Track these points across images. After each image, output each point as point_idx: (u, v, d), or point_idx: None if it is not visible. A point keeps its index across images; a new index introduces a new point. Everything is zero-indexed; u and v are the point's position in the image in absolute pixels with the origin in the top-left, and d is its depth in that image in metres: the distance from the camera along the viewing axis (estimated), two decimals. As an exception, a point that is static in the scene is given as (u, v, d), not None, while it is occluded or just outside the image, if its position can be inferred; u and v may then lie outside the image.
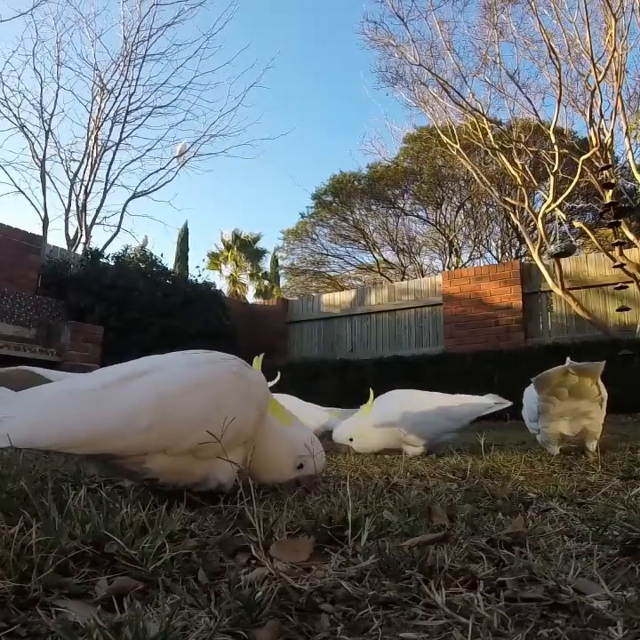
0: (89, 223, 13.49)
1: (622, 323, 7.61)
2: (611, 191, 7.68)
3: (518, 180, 9.16)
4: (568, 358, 2.20)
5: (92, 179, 13.63)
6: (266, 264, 20.15)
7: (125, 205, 14.15)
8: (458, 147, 9.72)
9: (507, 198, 10.48)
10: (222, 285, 18.46)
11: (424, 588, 0.69)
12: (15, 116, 12.92)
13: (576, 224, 10.20)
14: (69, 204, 13.35)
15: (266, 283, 19.63)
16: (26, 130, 13.17)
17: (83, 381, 1.22)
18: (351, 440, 2.59)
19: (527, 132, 9.74)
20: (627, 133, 7.92)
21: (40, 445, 1.04)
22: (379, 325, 9.70)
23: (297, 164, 31.01)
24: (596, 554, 0.85)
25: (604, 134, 8.14)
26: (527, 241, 9.15)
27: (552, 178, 8.43)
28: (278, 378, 2.90)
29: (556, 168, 8.38)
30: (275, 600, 0.65)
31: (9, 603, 0.64)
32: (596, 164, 8.14)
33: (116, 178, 14.10)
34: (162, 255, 8.88)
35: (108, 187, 13.84)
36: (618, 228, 7.56)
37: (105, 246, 12.82)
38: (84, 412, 1.09)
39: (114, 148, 14.01)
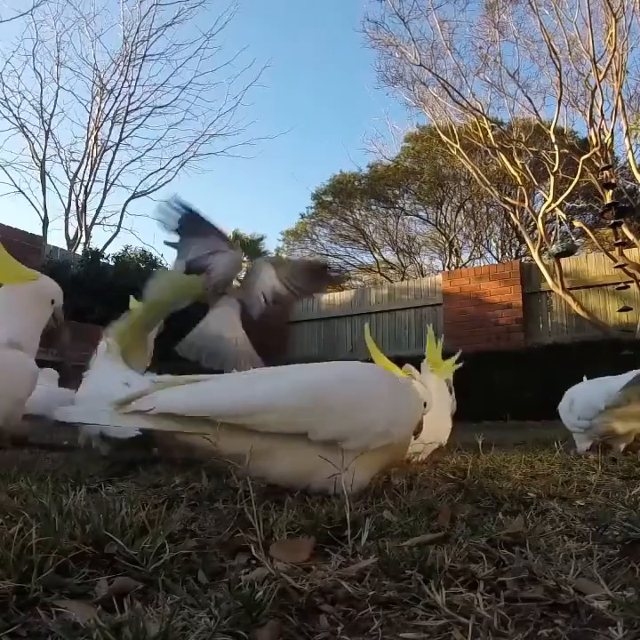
0: (89, 223, 13.54)
1: (622, 323, 7.60)
2: (611, 191, 7.67)
3: (518, 179, 9.15)
4: None
5: (91, 179, 13.68)
6: (266, 264, 20.13)
7: (125, 205, 14.19)
8: (458, 146, 9.72)
9: (507, 198, 10.46)
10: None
11: (424, 587, 0.69)
12: (15, 116, 12.98)
13: (576, 224, 10.19)
14: (69, 205, 13.39)
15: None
16: (26, 130, 13.22)
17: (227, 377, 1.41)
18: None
19: (527, 131, 9.73)
20: (627, 133, 7.91)
21: (179, 410, 1.16)
22: (379, 325, 9.70)
23: (297, 164, 30.99)
24: (596, 554, 0.85)
25: (604, 134, 8.13)
26: (527, 241, 9.14)
27: (552, 178, 8.42)
28: None
29: (556, 168, 8.38)
30: (275, 600, 0.65)
31: (9, 603, 0.64)
32: (597, 164, 8.13)
33: (116, 178, 14.16)
34: (162, 255, 8.88)
35: (107, 187, 13.89)
36: (618, 229, 7.55)
37: (105, 246, 12.88)
38: (230, 388, 1.25)
39: (114, 148, 14.05)
